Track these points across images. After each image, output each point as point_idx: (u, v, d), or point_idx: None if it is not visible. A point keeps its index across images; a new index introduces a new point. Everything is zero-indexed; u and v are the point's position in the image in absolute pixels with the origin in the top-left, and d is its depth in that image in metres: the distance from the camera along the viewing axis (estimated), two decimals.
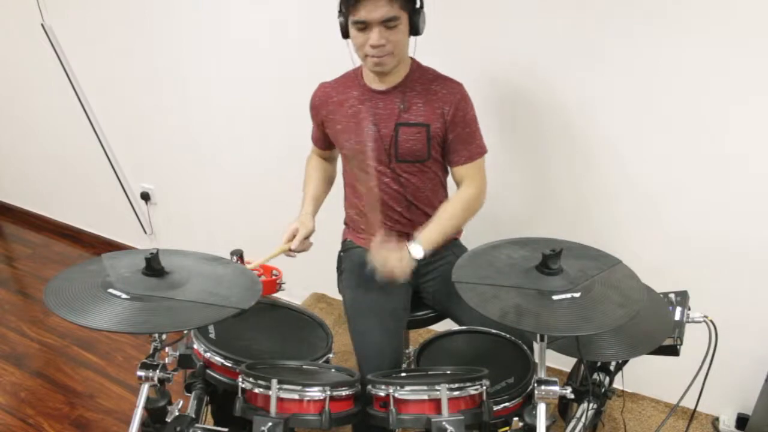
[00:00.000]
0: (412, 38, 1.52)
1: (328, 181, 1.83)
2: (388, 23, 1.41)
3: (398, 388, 1.19)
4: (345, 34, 1.50)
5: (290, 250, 1.62)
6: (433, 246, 1.55)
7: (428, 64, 1.63)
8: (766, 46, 1.54)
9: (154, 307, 1.10)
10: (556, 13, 1.73)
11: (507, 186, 1.76)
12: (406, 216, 1.68)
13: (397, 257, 1.48)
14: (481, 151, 1.62)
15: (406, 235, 1.66)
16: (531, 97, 1.89)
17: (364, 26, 1.42)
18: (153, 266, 1.18)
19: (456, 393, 1.18)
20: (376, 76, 1.56)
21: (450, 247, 1.73)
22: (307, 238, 1.64)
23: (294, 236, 1.61)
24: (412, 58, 1.60)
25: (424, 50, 1.59)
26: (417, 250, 1.51)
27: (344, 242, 1.82)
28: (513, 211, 1.74)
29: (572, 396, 1.13)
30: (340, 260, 1.81)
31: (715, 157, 1.72)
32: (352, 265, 1.74)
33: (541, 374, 1.13)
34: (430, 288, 1.73)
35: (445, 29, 1.76)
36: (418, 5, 1.46)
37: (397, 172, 1.62)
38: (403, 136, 1.57)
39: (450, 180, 1.70)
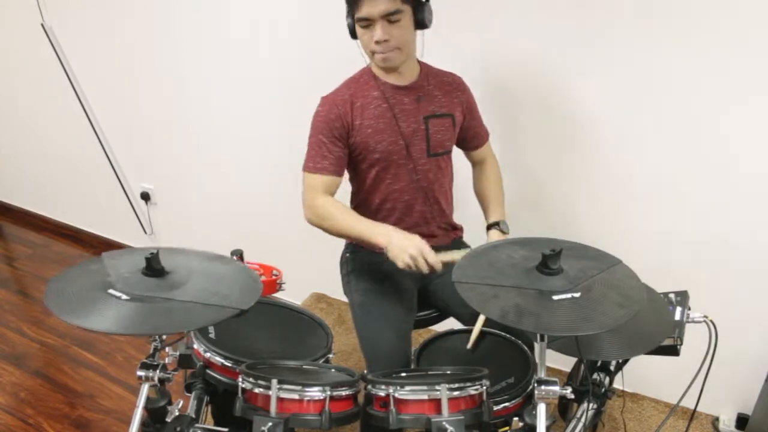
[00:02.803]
0: (419, 32, 1.52)
1: None
2: (390, 17, 1.42)
3: (398, 388, 1.19)
4: (353, 34, 1.52)
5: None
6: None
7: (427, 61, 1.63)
8: (767, 46, 1.54)
9: (154, 308, 1.09)
10: (555, 12, 1.73)
11: (507, 186, 1.77)
12: (426, 215, 1.68)
13: (412, 244, 1.42)
14: (487, 130, 1.77)
15: (419, 234, 1.67)
16: (531, 98, 1.89)
17: (368, 23, 1.44)
18: (153, 266, 1.18)
19: (456, 393, 1.18)
20: (387, 72, 1.57)
21: (455, 246, 1.73)
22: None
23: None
24: None
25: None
26: (504, 226, 1.66)
27: (350, 244, 1.81)
28: (514, 212, 1.75)
29: (572, 396, 1.12)
30: (346, 262, 1.78)
31: (715, 157, 1.72)
32: (361, 266, 1.73)
33: (541, 374, 1.12)
34: (435, 287, 1.73)
35: (444, 25, 1.76)
36: None
37: (427, 168, 1.62)
38: (434, 128, 1.60)
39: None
